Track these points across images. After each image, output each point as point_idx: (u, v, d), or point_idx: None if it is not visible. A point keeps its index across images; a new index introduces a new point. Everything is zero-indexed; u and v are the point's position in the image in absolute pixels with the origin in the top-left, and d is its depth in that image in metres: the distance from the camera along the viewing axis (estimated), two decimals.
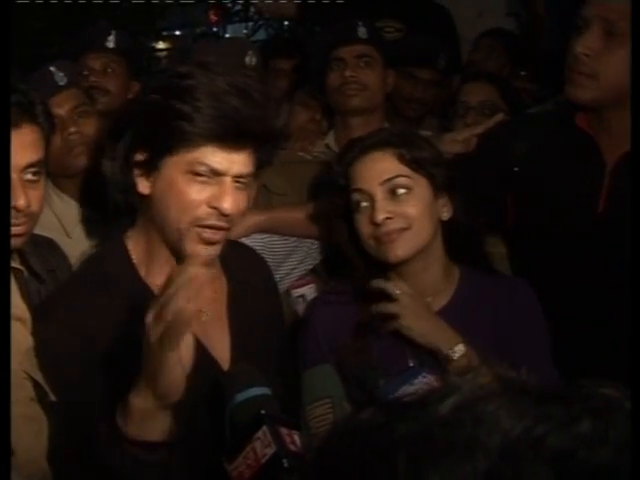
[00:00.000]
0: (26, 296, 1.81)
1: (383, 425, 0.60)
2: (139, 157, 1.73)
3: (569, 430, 0.56)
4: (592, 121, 2.11)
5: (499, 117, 2.54)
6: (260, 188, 2.52)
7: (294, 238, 2.44)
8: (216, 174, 1.68)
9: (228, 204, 1.68)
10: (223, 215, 1.69)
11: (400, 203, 1.97)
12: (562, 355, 1.99)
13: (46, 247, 2.00)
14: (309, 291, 2.44)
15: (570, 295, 2.13)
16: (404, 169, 1.99)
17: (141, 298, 1.76)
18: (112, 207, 1.84)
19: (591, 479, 0.54)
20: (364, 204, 2.00)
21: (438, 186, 2.02)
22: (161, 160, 1.70)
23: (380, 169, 2.00)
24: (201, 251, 1.71)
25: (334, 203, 2.12)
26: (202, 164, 1.67)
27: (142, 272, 1.80)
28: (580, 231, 2.10)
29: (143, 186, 1.73)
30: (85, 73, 3.06)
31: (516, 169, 2.20)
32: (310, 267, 2.48)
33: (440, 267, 2.05)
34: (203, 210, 1.69)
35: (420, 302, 1.97)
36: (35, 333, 1.75)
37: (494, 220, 2.28)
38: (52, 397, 1.71)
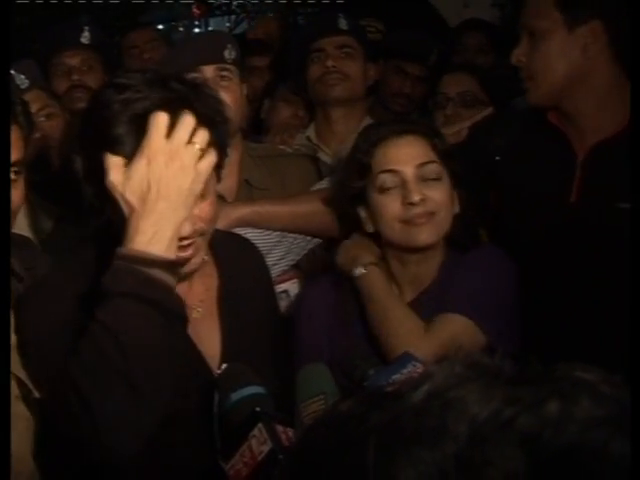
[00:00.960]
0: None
1: (357, 416, 0.61)
2: (92, 188, 1.67)
3: (536, 412, 0.56)
4: (560, 116, 2.18)
5: (488, 111, 2.56)
6: (242, 183, 2.51)
7: (276, 233, 2.42)
8: None
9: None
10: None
11: (431, 188, 2.01)
12: (538, 340, 2.02)
13: (23, 246, 1.98)
14: (292, 287, 2.42)
15: (549, 283, 2.16)
16: (436, 157, 2.04)
17: None
18: (86, 206, 1.81)
19: (558, 458, 0.54)
20: (393, 186, 2.01)
21: (454, 181, 2.06)
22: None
23: (415, 153, 2.03)
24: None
25: (349, 186, 2.12)
26: None
27: None
28: (555, 221, 2.15)
29: (109, 211, 1.66)
30: (65, 71, 3.05)
31: (498, 158, 2.26)
32: (292, 262, 2.47)
33: (439, 258, 2.08)
34: None
35: None
36: (16, 319, 1.71)
37: (480, 209, 2.30)
38: (36, 394, 1.70)
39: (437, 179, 2.02)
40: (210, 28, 9.03)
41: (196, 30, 8.74)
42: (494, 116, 2.53)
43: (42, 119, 2.44)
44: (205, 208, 1.66)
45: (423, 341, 1.91)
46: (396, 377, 1.73)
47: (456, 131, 2.46)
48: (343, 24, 2.96)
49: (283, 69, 3.61)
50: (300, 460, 0.64)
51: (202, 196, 1.63)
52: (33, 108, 2.42)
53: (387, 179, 2.02)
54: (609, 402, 0.58)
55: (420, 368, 1.74)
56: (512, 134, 2.27)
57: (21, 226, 2.27)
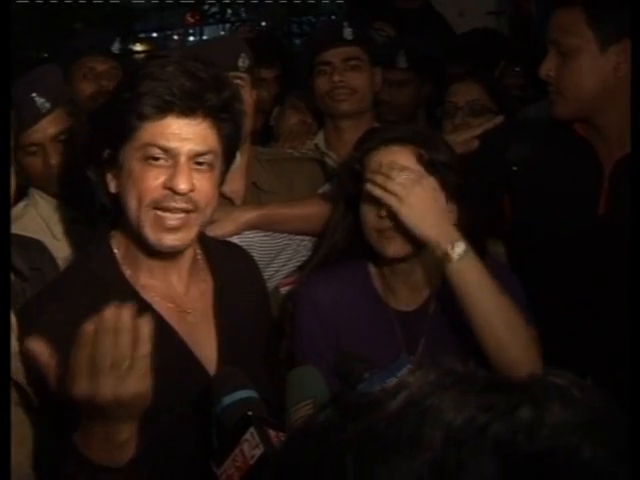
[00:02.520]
0: (13, 301, 1.80)
1: (335, 425, 0.62)
2: (105, 155, 1.74)
3: (509, 418, 0.58)
4: (588, 128, 2.17)
5: (499, 119, 2.56)
6: (249, 186, 2.52)
7: (284, 236, 2.44)
8: (170, 155, 1.67)
9: (181, 183, 1.65)
10: (178, 194, 1.66)
11: None
12: (559, 354, 2.02)
13: (34, 248, 1.99)
14: None
15: (569, 295, 2.16)
16: (420, 169, 2.00)
17: (124, 298, 1.75)
18: (99, 208, 1.84)
19: (531, 462, 0.56)
20: (372, 195, 1.99)
21: (449, 191, 2.02)
22: (121, 153, 1.70)
23: (396, 164, 2.00)
24: (164, 239, 1.70)
25: (345, 188, 2.13)
26: (153, 146, 1.66)
27: (126, 271, 1.78)
28: (581, 233, 2.14)
29: (112, 185, 1.74)
30: (94, 75, 3.20)
31: (515, 168, 2.25)
32: (299, 264, 2.48)
33: (434, 266, 2.06)
34: (159, 192, 1.67)
35: (426, 191, 1.95)
36: (20, 336, 1.72)
37: (492, 219, 2.30)
38: (36, 402, 1.70)
39: None
40: (205, 37, 9.01)
41: (204, 37, 8.70)
42: (508, 125, 2.51)
43: (62, 137, 2.47)
44: (205, 183, 1.70)
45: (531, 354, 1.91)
46: (391, 380, 1.74)
47: (466, 139, 2.45)
48: (348, 33, 2.93)
49: (290, 79, 3.61)
50: (281, 471, 0.65)
51: (209, 167, 1.70)
52: (52, 131, 2.44)
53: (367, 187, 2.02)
54: (579, 406, 0.60)
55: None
56: (531, 144, 2.26)
57: (37, 229, 2.29)
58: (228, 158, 1.78)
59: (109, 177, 1.74)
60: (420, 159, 2.00)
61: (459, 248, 1.90)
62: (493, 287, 1.90)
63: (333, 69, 2.91)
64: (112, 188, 1.73)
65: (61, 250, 2.17)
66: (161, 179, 1.67)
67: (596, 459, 0.57)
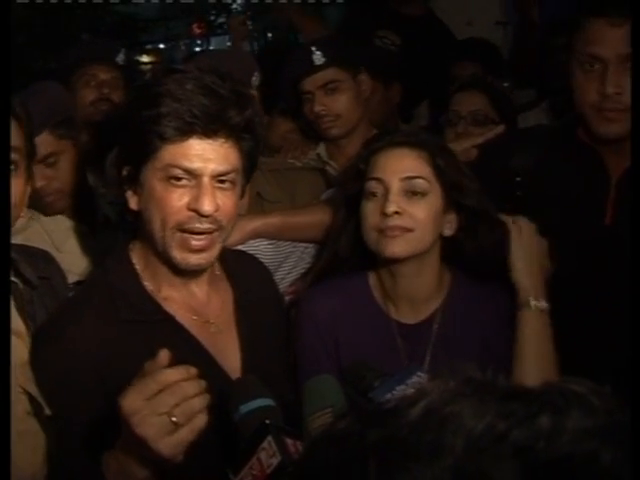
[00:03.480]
0: (23, 309, 1.80)
1: (356, 432, 0.62)
2: (124, 172, 1.74)
3: (529, 425, 0.58)
4: (595, 136, 2.13)
5: (500, 129, 2.54)
6: (253, 196, 2.53)
7: (288, 243, 2.45)
8: (193, 176, 1.67)
9: (206, 204, 1.66)
10: (203, 216, 1.67)
11: (412, 204, 1.99)
12: (568, 365, 2.00)
13: (41, 258, 1.99)
14: None
15: (575, 305, 2.14)
16: (427, 174, 2.01)
17: (147, 311, 1.77)
18: (101, 219, 1.84)
19: (551, 468, 0.56)
20: (378, 194, 2.01)
21: (450, 201, 2.04)
22: (142, 172, 1.70)
23: (404, 165, 2.01)
24: (190, 259, 1.71)
25: (346, 190, 2.13)
26: (175, 167, 1.66)
27: (147, 284, 1.79)
28: (587, 243, 2.13)
29: (133, 202, 1.74)
30: (96, 83, 3.25)
31: (518, 179, 2.23)
32: (303, 271, 2.49)
33: (433, 275, 2.07)
34: (184, 214, 1.68)
35: (534, 245, 2.07)
36: (37, 352, 1.73)
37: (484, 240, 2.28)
38: (48, 412, 1.70)
39: (422, 196, 1.99)
40: (211, 47, 9.03)
41: (211, 47, 8.69)
42: (510, 135, 2.49)
43: (51, 160, 2.46)
44: (228, 201, 1.71)
45: None
46: (401, 388, 1.73)
47: (466, 148, 2.44)
48: (318, 58, 2.87)
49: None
50: (302, 478, 0.65)
51: (231, 185, 1.70)
52: (38, 154, 2.41)
53: (372, 186, 2.02)
54: (598, 413, 0.60)
55: (425, 379, 1.74)
56: (535, 154, 2.23)
57: (40, 242, 2.28)
58: (248, 172, 1.79)
59: (129, 194, 1.74)
60: (429, 163, 2.01)
61: (541, 304, 2.01)
62: (548, 341, 2.00)
63: (313, 97, 2.89)
64: (132, 205, 1.74)
65: (64, 262, 2.17)
66: (185, 200, 1.67)
67: (615, 464, 0.57)
